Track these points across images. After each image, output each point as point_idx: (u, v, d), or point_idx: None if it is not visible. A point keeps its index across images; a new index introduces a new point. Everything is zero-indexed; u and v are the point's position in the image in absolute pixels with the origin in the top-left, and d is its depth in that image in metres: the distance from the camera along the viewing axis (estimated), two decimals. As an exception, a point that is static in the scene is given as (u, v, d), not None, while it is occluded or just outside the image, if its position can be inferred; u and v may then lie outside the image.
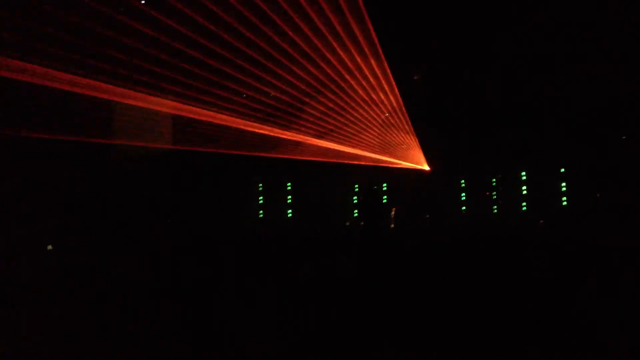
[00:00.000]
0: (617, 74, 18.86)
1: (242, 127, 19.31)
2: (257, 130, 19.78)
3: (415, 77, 22.61)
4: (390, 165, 23.71)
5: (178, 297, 7.66)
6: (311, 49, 16.36)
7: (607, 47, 18.34)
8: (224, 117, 18.48)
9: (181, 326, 6.09)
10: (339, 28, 15.96)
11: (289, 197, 26.13)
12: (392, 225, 19.76)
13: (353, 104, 20.09)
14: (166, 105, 17.44)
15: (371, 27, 15.82)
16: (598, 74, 19.32)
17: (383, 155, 23.10)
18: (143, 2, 14.12)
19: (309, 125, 20.55)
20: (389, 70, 18.52)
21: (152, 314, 6.66)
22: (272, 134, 20.22)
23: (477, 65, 21.01)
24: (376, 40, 16.68)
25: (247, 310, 6.76)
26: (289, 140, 20.99)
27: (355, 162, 22.88)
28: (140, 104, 16.63)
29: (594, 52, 18.80)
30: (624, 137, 21.20)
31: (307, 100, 19.40)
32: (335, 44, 16.61)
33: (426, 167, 24.11)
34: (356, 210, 24.54)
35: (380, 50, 17.21)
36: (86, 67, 13.86)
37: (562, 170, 22.80)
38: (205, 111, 17.84)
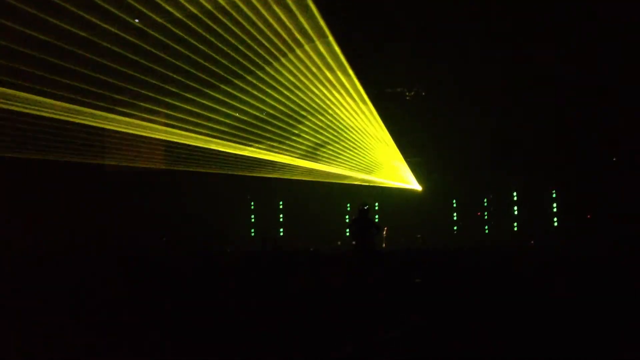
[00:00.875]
0: (609, 97, 19.11)
1: (236, 150, 19.63)
2: (247, 154, 20.07)
3: (407, 98, 22.81)
4: (381, 185, 23.78)
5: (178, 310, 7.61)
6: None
7: (598, 73, 18.62)
8: (218, 141, 18.87)
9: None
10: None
11: (281, 215, 26.16)
12: (384, 245, 19.74)
13: (340, 129, 20.52)
14: (159, 131, 17.85)
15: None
16: (590, 97, 19.57)
17: (372, 175, 23.23)
18: (137, 20, 14.30)
19: (298, 145, 20.88)
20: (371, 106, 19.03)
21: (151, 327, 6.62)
22: (263, 156, 20.51)
23: (466, 89, 21.24)
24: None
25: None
26: (280, 162, 21.27)
27: (346, 182, 23.01)
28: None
29: (585, 77, 19.07)
30: (614, 159, 21.39)
31: (296, 123, 19.79)
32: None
33: (418, 187, 24.17)
34: (348, 230, 24.50)
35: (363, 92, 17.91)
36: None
37: (553, 191, 22.91)
38: (199, 136, 18.23)
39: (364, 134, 21.06)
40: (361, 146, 21.63)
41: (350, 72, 17.23)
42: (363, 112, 19.77)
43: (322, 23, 14.53)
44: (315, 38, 15.23)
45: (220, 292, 8.83)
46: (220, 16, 13.49)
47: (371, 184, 23.51)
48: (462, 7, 17.77)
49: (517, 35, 18.71)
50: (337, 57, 16.27)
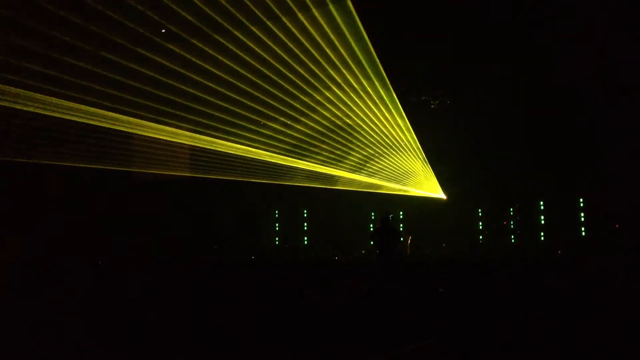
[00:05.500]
0: (636, 106, 18.83)
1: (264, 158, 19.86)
2: (276, 161, 20.27)
3: (432, 106, 22.81)
4: (407, 194, 23.71)
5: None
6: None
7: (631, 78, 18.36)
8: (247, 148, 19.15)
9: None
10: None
11: (305, 224, 26.23)
12: (408, 253, 19.70)
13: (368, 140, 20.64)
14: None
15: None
16: (617, 107, 19.31)
17: (399, 184, 23.18)
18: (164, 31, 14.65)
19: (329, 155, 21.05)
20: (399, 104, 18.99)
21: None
22: (289, 163, 20.69)
23: (496, 94, 21.12)
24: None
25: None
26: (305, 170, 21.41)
27: (372, 191, 23.01)
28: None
29: (615, 83, 18.84)
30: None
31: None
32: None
33: (442, 196, 24.02)
34: (371, 240, 24.44)
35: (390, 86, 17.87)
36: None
37: (581, 200, 22.54)
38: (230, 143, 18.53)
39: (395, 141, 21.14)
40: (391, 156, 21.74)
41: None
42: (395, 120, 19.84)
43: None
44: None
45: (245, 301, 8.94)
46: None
47: (397, 193, 23.47)
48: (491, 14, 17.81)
49: (544, 43, 18.59)
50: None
